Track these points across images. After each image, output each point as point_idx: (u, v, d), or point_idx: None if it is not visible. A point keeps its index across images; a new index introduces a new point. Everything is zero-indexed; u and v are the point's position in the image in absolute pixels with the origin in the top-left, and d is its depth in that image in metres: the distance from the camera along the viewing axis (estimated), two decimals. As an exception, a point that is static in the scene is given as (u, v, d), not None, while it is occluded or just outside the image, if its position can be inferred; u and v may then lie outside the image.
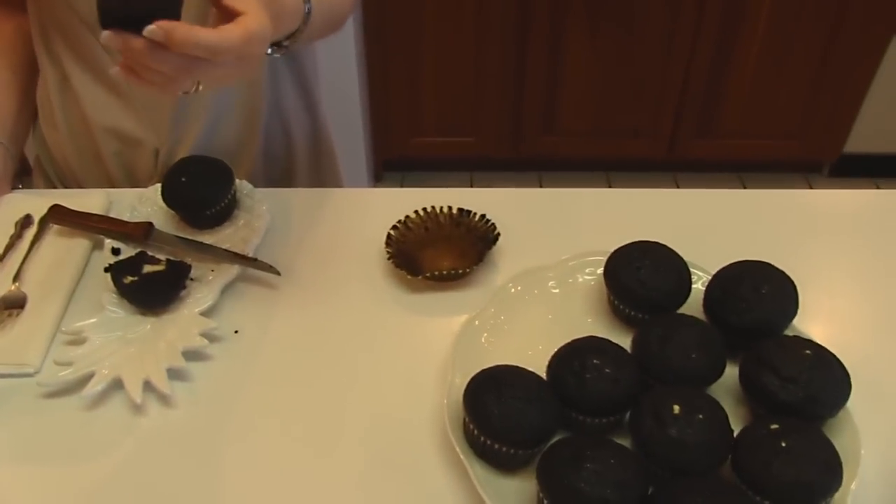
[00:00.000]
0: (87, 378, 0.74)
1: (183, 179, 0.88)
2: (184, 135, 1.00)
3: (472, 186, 2.66)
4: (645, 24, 2.28)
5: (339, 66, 1.85)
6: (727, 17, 2.25)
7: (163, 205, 0.90)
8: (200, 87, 0.65)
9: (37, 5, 0.99)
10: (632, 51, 2.33)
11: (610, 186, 2.66)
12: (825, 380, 0.65)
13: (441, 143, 2.56)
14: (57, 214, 0.91)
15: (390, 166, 2.67)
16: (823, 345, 0.67)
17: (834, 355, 0.66)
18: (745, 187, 2.66)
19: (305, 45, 0.86)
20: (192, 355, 0.76)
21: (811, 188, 2.65)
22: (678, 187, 2.65)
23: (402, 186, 2.67)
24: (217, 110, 1.00)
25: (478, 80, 2.39)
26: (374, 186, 2.57)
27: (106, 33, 0.59)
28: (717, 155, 2.60)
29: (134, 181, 1.05)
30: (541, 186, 2.65)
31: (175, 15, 0.59)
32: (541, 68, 2.36)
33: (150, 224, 0.88)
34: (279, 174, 1.10)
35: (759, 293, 0.72)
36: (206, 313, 0.79)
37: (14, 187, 1.01)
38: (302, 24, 0.76)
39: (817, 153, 2.63)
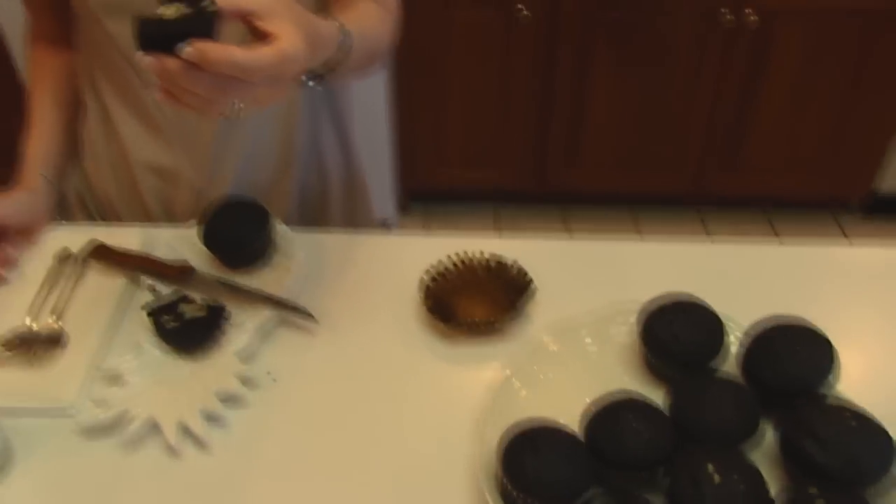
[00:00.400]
0: (123, 418, 0.75)
1: (220, 221, 0.90)
2: (221, 170, 1.02)
3: (496, 219, 2.67)
4: (672, 58, 2.28)
5: (368, 96, 1.86)
6: (755, 52, 2.26)
7: (200, 245, 0.91)
8: (241, 113, 0.66)
9: (82, 42, 1.01)
10: (658, 85, 2.34)
11: (635, 221, 2.66)
12: (867, 445, 0.64)
13: (466, 175, 2.57)
14: (97, 252, 0.93)
15: (415, 196, 2.69)
16: (863, 407, 0.67)
17: (875, 419, 0.66)
18: (771, 224, 2.65)
19: (344, 80, 0.86)
20: (226, 398, 0.77)
21: (839, 226, 2.64)
22: (703, 223, 2.65)
23: (426, 217, 2.68)
24: (254, 146, 1.02)
25: (503, 112, 2.40)
26: (400, 217, 2.58)
27: (142, 55, 0.60)
28: (744, 191, 2.60)
29: (172, 216, 1.06)
30: (564, 220, 2.66)
31: (211, 33, 0.61)
32: (567, 102, 2.37)
33: (189, 265, 0.89)
34: (313, 210, 1.11)
35: (794, 351, 0.72)
36: (241, 356, 0.80)
37: (54, 220, 1.03)
38: (339, 52, 0.77)
39: (846, 190, 2.61)
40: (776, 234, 2.62)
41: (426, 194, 2.69)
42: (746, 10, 2.17)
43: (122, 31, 0.92)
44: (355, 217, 1.17)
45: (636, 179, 2.56)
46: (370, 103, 1.20)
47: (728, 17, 2.18)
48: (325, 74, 0.78)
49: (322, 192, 1.11)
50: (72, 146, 1.09)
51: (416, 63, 2.26)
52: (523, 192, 2.63)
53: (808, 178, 2.55)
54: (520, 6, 2.17)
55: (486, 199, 2.71)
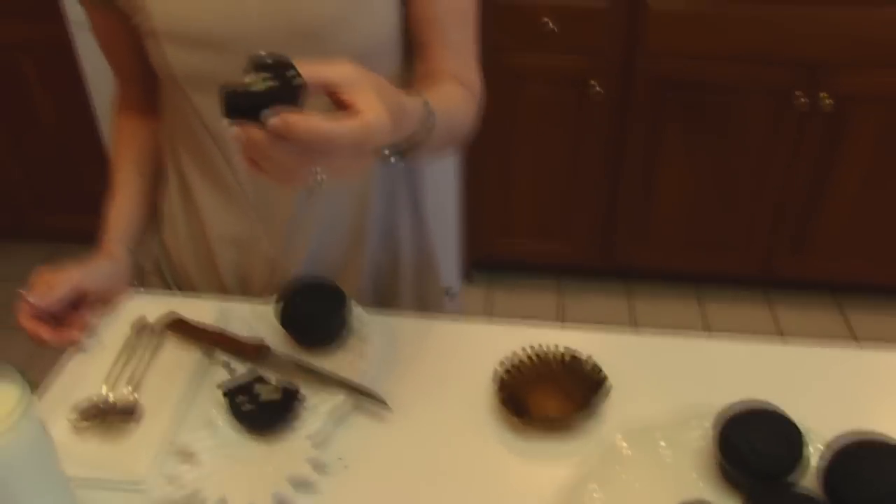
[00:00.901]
0: (195, 497, 0.75)
1: (298, 301, 0.91)
2: (296, 244, 1.03)
3: (559, 291, 2.65)
4: (743, 138, 2.27)
5: (440, 166, 1.88)
6: (828, 135, 2.23)
7: (276, 323, 0.92)
8: (322, 184, 0.66)
9: (166, 111, 1.05)
10: (728, 165, 2.32)
11: (700, 300, 2.61)
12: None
13: (531, 247, 2.57)
14: (174, 325, 0.95)
15: (479, 265, 2.69)
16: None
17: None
18: (840, 309, 2.58)
19: (423, 158, 0.88)
20: (298, 483, 0.77)
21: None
22: (770, 305, 2.59)
23: (489, 287, 2.68)
24: (329, 220, 1.03)
25: (572, 186, 2.40)
26: (463, 285, 2.59)
27: (228, 124, 0.62)
28: (813, 274, 2.54)
29: (247, 289, 1.08)
30: (629, 296, 2.63)
31: (296, 102, 0.62)
32: (635, 178, 2.37)
33: (265, 344, 0.90)
34: (383, 284, 1.12)
35: (880, 471, 0.69)
36: (314, 440, 0.80)
37: (132, 286, 1.05)
38: (421, 129, 0.78)
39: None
40: (845, 319, 2.55)
41: (490, 264, 2.70)
42: (821, 94, 2.15)
43: (207, 104, 0.96)
44: (424, 289, 1.17)
45: (703, 258, 2.53)
46: (442, 173, 1.21)
47: (802, 99, 2.16)
48: (405, 150, 0.79)
49: (393, 266, 1.12)
50: (152, 215, 1.12)
51: (487, 133, 2.27)
52: (588, 265, 2.61)
53: (880, 264, 2.48)
54: (593, 83, 2.18)
55: (550, 271, 2.70)
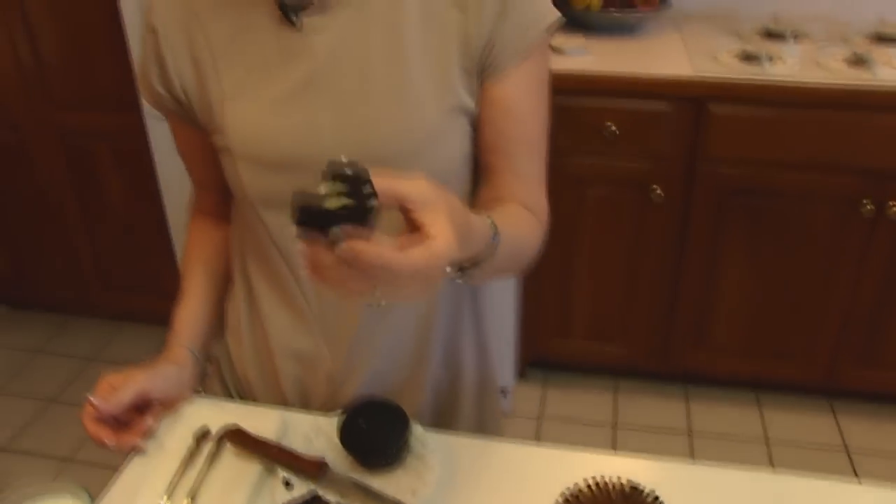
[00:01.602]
0: None
1: (359, 421, 0.91)
2: (359, 361, 1.03)
3: (615, 392, 2.60)
4: (807, 245, 2.23)
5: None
6: (896, 244, 2.19)
7: (336, 439, 0.92)
8: (383, 303, 0.66)
9: (238, 222, 1.07)
10: (791, 271, 2.28)
11: (760, 408, 2.54)
12: None
13: (588, 348, 2.54)
14: (234, 436, 0.95)
15: (534, 363, 2.67)
16: None
17: None
18: (910, 423, 2.49)
19: (485, 278, 0.88)
20: None
21: None
22: (835, 416, 2.50)
23: (544, 385, 2.64)
24: (393, 339, 1.03)
25: (631, 288, 2.38)
26: (517, 382, 2.56)
27: (296, 234, 0.62)
28: (881, 386, 2.46)
29: (307, 403, 1.08)
30: (687, 401, 2.57)
31: (367, 223, 0.62)
32: (696, 282, 2.34)
33: (324, 462, 0.90)
34: (444, 405, 1.11)
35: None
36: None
37: (194, 391, 1.06)
38: (486, 249, 0.78)
39: None
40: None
41: (546, 362, 2.67)
42: (890, 203, 2.12)
43: (277, 223, 0.97)
44: (483, 406, 1.16)
45: (763, 364, 2.47)
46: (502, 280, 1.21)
47: (869, 206, 2.13)
48: (467, 269, 0.79)
49: (454, 384, 1.11)
50: (220, 320, 1.14)
51: (547, 233, 2.29)
52: (645, 368, 2.57)
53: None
54: (655, 187, 2.19)
55: (606, 372, 2.66)
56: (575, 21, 2.35)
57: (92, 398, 0.94)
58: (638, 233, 2.29)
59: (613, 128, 2.13)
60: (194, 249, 1.14)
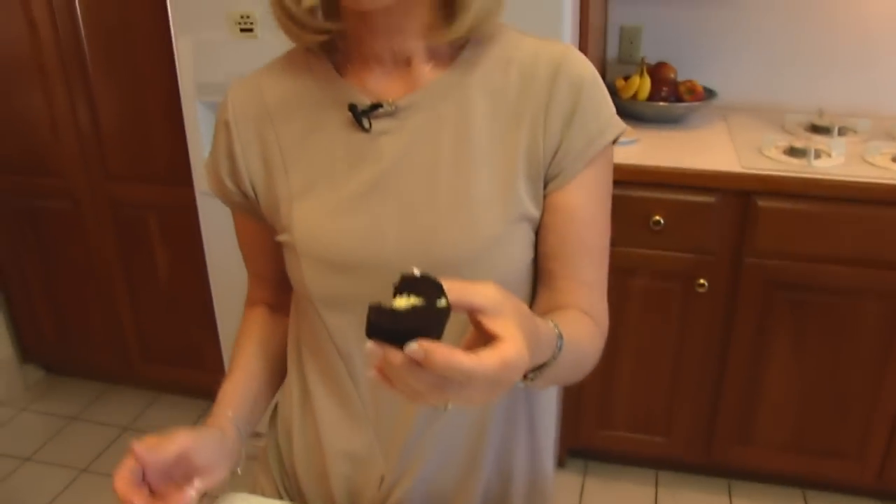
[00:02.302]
0: None
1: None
2: (411, 464, 1.01)
3: (657, 486, 2.54)
4: (856, 340, 2.19)
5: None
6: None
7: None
8: (449, 407, 0.66)
9: (297, 318, 1.07)
10: (840, 368, 2.23)
11: (806, 506, 2.47)
12: None
13: (629, 439, 2.49)
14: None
15: (574, 452, 2.62)
16: None
17: None
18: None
19: (545, 385, 0.87)
20: None
21: None
22: (884, 518, 2.42)
23: (585, 476, 2.59)
24: (446, 444, 1.01)
25: (674, 380, 2.35)
26: (556, 471, 2.51)
27: (369, 344, 0.62)
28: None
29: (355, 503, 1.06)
30: (730, 497, 2.50)
31: (437, 334, 0.62)
32: (740, 376, 2.30)
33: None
34: (493, 506, 1.09)
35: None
36: None
37: (233, 471, 1.01)
38: (553, 357, 0.78)
39: None
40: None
41: (586, 451, 2.63)
42: (941, 298, 2.09)
43: (338, 324, 0.97)
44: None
45: (810, 462, 2.40)
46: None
47: (921, 300, 2.10)
48: (531, 375, 0.78)
49: (504, 489, 1.09)
50: (267, 404, 1.11)
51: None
52: (688, 461, 2.51)
53: None
54: (701, 279, 2.17)
55: (647, 463, 2.61)
56: (622, 111, 2.33)
57: (135, 446, 0.85)
58: (682, 324, 2.27)
59: (660, 219, 2.13)
60: (248, 334, 1.13)
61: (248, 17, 1.96)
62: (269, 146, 0.98)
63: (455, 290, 0.64)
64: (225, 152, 1.01)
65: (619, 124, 0.96)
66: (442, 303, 0.63)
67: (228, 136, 1.00)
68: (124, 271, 2.79)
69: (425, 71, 0.94)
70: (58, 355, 3.09)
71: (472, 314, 0.66)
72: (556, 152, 0.92)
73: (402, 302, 0.62)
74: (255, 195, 1.00)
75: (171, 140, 2.45)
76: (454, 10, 0.90)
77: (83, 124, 2.59)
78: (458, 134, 0.93)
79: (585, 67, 0.94)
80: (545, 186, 0.94)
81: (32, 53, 2.54)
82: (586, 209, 0.95)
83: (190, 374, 2.82)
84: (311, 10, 0.91)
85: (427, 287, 0.63)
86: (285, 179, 0.97)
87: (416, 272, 0.64)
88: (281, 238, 0.99)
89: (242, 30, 1.98)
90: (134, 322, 2.86)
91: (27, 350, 3.10)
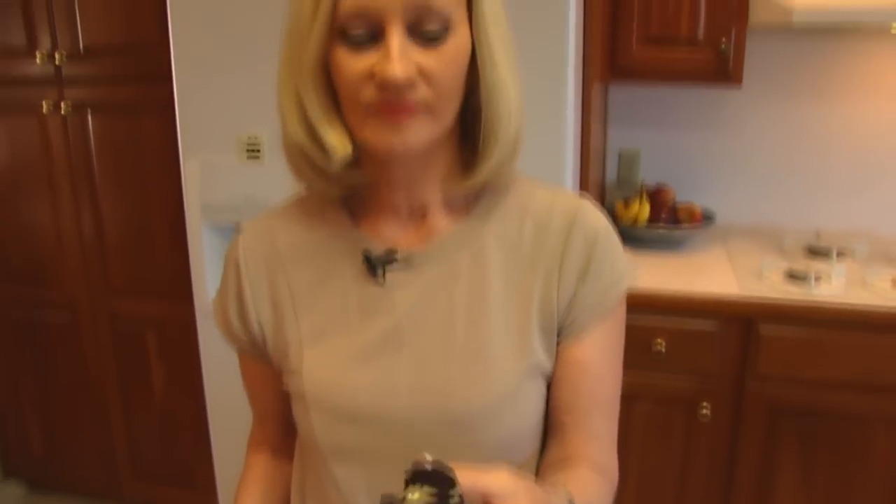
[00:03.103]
0: None
1: None
2: None
3: None
4: (864, 469, 2.15)
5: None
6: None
7: None
8: None
9: (300, 464, 1.05)
10: (848, 495, 2.18)
11: None
12: None
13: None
14: None
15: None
16: None
17: None
18: None
19: None
20: None
21: None
22: None
23: None
24: None
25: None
26: None
27: None
28: None
29: None
30: None
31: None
32: (746, 502, 2.25)
33: None
34: None
35: None
36: None
37: None
38: None
39: None
40: None
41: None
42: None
43: (344, 475, 0.95)
44: None
45: None
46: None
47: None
48: None
49: None
50: None
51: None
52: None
53: None
54: (704, 405, 2.15)
55: None
56: (622, 235, 2.37)
57: None
58: (685, 451, 2.23)
59: (662, 345, 2.12)
60: (251, 481, 1.11)
61: (255, 141, 2.00)
62: (279, 290, 0.98)
63: (468, 477, 0.65)
64: (234, 293, 1.00)
65: (632, 276, 0.96)
66: (455, 499, 0.62)
67: (238, 276, 1.00)
68: (119, 386, 2.76)
69: (441, 221, 0.95)
70: (43, 471, 3.02)
71: (486, 501, 0.65)
72: (570, 306, 0.93)
73: (415, 495, 0.62)
74: (264, 338, 1.00)
75: (173, 257, 2.47)
76: (472, 160, 0.92)
77: (88, 237, 2.61)
78: (473, 287, 0.93)
79: (599, 220, 0.96)
80: (558, 338, 0.94)
81: (44, 167, 2.60)
82: (599, 362, 0.95)
83: (181, 494, 2.75)
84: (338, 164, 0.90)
85: (439, 478, 0.63)
86: (295, 325, 0.96)
87: (428, 463, 0.64)
88: (289, 385, 0.97)
89: (250, 154, 2.02)
90: (126, 438, 2.81)
91: (10, 464, 3.03)
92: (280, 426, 1.09)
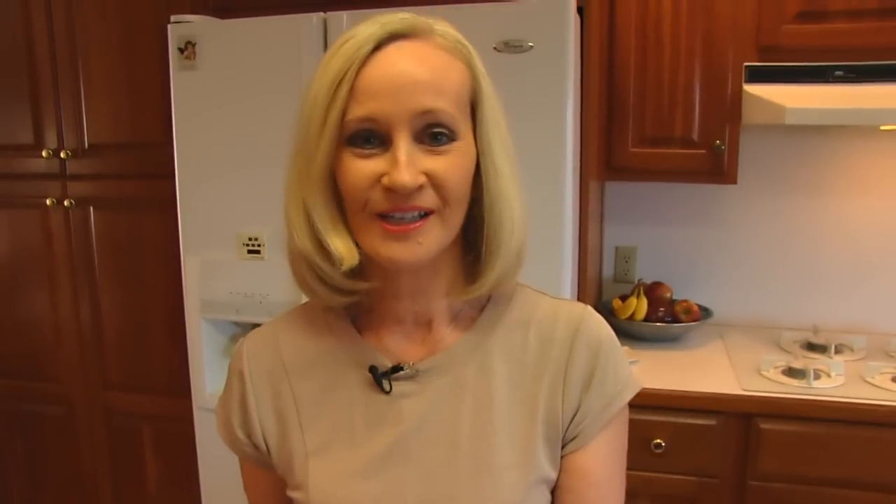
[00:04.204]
0: None
1: None
2: None
3: None
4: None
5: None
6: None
7: None
8: None
9: None
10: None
11: None
12: None
13: None
14: None
15: None
16: None
17: None
18: None
19: None
20: None
21: None
22: None
23: None
24: None
25: None
26: None
27: None
28: None
29: None
30: None
31: None
32: None
33: None
34: None
35: None
36: None
37: None
38: None
39: None
40: None
41: None
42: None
43: None
44: None
45: None
46: None
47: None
48: None
49: None
50: None
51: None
52: None
53: None
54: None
55: None
56: (620, 331, 2.37)
57: None
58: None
59: (661, 442, 2.10)
60: None
61: (256, 239, 2.03)
62: (284, 401, 0.98)
63: None
64: (238, 402, 1.00)
65: (635, 384, 0.97)
66: None
67: (242, 386, 1.00)
68: (112, 482, 2.71)
69: (445, 333, 0.96)
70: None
71: None
72: (574, 415, 0.93)
73: None
74: (268, 448, 0.99)
75: (171, 353, 2.47)
76: (477, 270, 0.93)
77: (86, 331, 2.62)
78: (479, 399, 0.93)
79: (602, 329, 0.97)
80: (563, 447, 0.94)
81: (44, 261, 2.62)
82: (604, 470, 0.94)
83: None
84: (344, 274, 0.91)
85: None
86: (300, 436, 0.96)
87: None
88: (294, 495, 0.96)
89: (250, 251, 2.04)
90: (119, 535, 2.76)
91: (0, 562, 2.96)
92: None
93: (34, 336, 2.69)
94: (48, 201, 2.54)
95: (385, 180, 0.83)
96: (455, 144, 0.86)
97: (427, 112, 0.83)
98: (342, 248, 0.89)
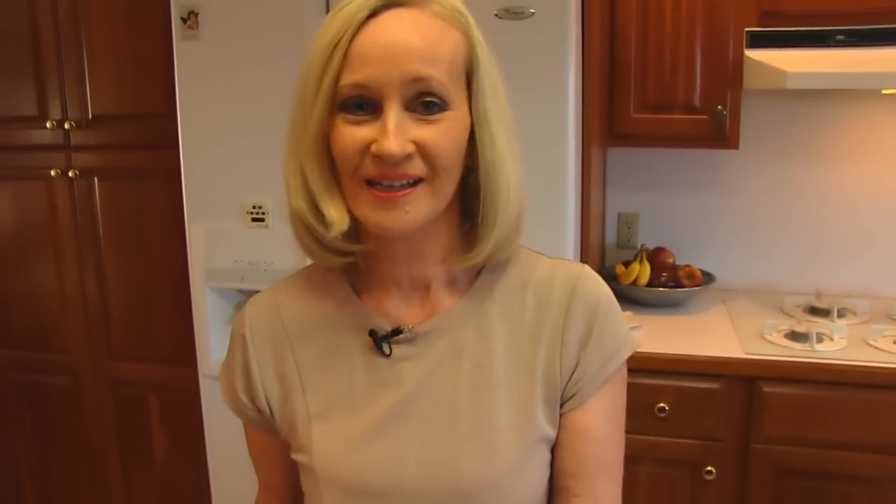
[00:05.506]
0: None
1: None
2: None
3: None
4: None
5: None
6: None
7: None
8: None
9: None
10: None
11: None
12: None
13: None
14: None
15: None
16: None
17: None
18: None
19: None
20: None
21: None
22: None
23: None
24: None
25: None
26: None
27: None
28: None
29: None
30: None
31: None
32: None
33: None
34: None
35: None
36: None
37: None
38: None
39: None
40: None
41: None
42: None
43: None
44: None
45: None
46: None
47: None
48: None
49: None
50: None
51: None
52: None
53: None
54: (709, 467, 2.13)
55: None
56: (622, 296, 2.41)
57: None
58: (691, 512, 2.21)
59: (665, 406, 2.12)
60: None
61: (260, 207, 2.03)
62: (286, 365, 0.99)
63: None
64: (241, 367, 1.01)
65: (633, 342, 0.98)
66: None
67: (245, 351, 1.01)
68: (119, 451, 2.74)
69: (443, 296, 0.97)
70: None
71: None
72: (572, 374, 0.94)
73: None
74: (271, 412, 1.00)
75: (176, 322, 2.47)
76: (474, 238, 0.94)
77: (91, 301, 2.63)
78: (478, 360, 0.94)
79: (600, 287, 0.97)
80: (561, 406, 0.95)
81: (49, 232, 2.63)
82: (603, 427, 0.95)
83: None
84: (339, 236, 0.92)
85: None
86: (303, 400, 0.97)
87: None
88: (298, 458, 0.98)
89: (254, 220, 2.05)
90: (125, 502, 2.78)
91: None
92: (286, 495, 1.09)
93: (40, 307, 2.70)
94: (52, 172, 2.53)
95: (373, 148, 0.84)
96: (447, 114, 0.86)
97: (418, 80, 0.83)
98: (334, 212, 0.89)
